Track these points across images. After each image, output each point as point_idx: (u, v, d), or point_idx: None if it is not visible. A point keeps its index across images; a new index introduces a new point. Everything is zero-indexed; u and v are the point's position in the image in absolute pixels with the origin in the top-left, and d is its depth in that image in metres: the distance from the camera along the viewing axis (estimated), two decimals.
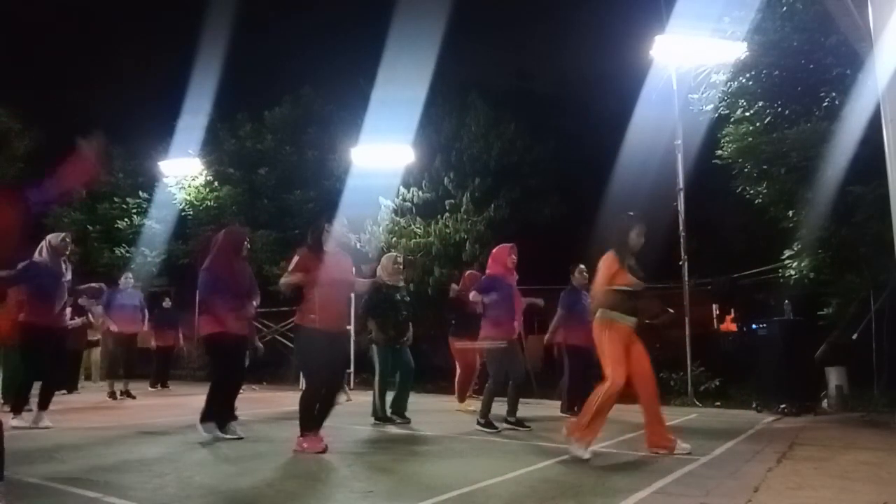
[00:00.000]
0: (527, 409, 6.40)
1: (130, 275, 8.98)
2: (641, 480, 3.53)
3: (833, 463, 4.13)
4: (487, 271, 6.01)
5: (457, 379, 7.79)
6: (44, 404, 5.56)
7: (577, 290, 6.78)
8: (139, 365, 9.69)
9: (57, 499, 3.14)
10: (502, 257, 5.87)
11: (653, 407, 4.44)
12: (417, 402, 6.97)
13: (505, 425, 5.80)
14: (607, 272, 4.34)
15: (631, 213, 4.52)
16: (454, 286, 7.31)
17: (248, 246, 5.37)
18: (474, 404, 7.65)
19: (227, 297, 5.04)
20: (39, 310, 5.37)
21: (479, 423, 5.56)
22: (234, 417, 5.25)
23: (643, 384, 4.42)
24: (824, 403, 7.42)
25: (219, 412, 5.11)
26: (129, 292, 8.70)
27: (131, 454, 4.31)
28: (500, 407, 5.85)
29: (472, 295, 5.90)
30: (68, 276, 5.70)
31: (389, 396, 6.24)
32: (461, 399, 7.67)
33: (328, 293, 4.36)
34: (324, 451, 4.03)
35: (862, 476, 3.69)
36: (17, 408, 5.53)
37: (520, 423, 5.85)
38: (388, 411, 6.18)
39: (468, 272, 7.83)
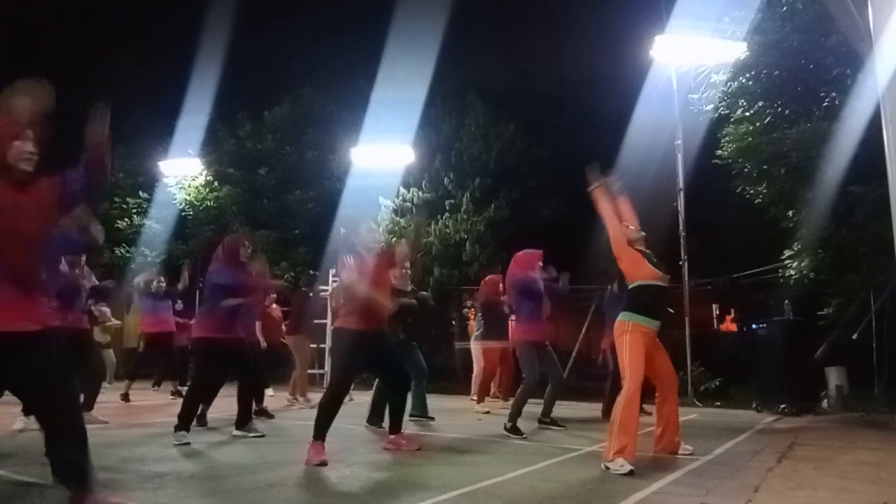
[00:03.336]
0: (557, 409, 6.34)
1: (162, 278, 9.03)
2: (641, 480, 3.53)
3: (833, 463, 4.13)
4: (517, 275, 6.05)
5: (479, 379, 7.99)
6: (89, 405, 5.83)
7: (620, 295, 6.82)
8: (144, 365, 9.66)
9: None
10: (528, 263, 5.96)
11: (674, 411, 4.41)
12: None
13: (539, 426, 5.81)
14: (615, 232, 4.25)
15: None
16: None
17: (248, 251, 5.33)
18: (488, 405, 7.69)
19: (219, 304, 5.06)
20: (61, 314, 5.37)
21: (505, 427, 5.42)
22: (260, 416, 5.45)
23: (668, 387, 4.39)
24: (824, 403, 7.41)
25: (241, 415, 5.31)
26: (161, 296, 8.75)
27: (131, 454, 4.31)
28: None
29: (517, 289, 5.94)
30: (92, 281, 5.75)
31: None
32: (480, 400, 7.74)
33: (374, 295, 4.32)
34: (322, 464, 3.92)
35: (862, 476, 3.69)
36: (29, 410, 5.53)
37: (553, 422, 5.84)
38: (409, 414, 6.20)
39: (488, 277, 7.88)
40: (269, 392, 9.82)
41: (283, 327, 10.56)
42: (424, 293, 6.00)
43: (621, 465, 3.71)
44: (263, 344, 8.94)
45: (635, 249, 4.26)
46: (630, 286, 4.29)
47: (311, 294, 8.91)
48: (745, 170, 8.34)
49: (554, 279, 6.21)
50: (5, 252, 2.39)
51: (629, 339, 4.09)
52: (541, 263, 5.97)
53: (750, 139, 8.17)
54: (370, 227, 4.68)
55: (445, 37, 12.46)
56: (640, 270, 4.21)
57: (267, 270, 5.81)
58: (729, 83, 8.44)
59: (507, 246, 11.96)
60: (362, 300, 4.28)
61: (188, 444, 4.69)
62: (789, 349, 7.34)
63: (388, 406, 4.72)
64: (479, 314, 8.41)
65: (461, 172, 13.00)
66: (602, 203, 4.35)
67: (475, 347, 8.99)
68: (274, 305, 9.41)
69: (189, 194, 16.13)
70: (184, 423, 4.84)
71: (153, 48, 19.78)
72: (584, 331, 10.68)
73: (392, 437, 4.65)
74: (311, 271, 9.00)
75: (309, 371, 8.89)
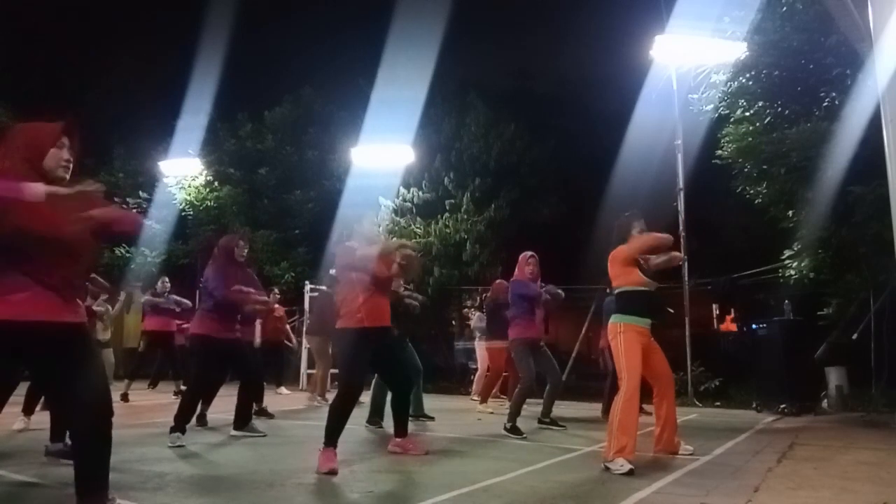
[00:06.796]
0: (557, 409, 6.32)
1: (167, 279, 9.08)
2: (641, 480, 3.53)
3: (833, 463, 4.14)
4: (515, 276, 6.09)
5: (484, 380, 8.12)
6: None
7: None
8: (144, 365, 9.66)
9: (56, 499, 3.14)
10: (520, 265, 5.99)
11: (672, 410, 4.42)
12: None
13: (538, 426, 5.81)
14: (625, 254, 4.24)
15: (628, 212, 4.47)
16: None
17: (245, 251, 5.31)
18: (492, 406, 7.72)
19: (218, 303, 5.07)
20: None
21: (505, 427, 5.41)
22: (260, 416, 5.58)
23: (664, 386, 4.39)
24: (824, 403, 7.42)
25: (240, 414, 5.31)
26: (165, 296, 8.82)
27: (131, 454, 4.31)
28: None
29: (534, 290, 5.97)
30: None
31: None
32: (483, 400, 7.79)
33: (374, 290, 4.27)
34: (332, 472, 3.74)
35: (862, 476, 3.69)
36: (30, 409, 5.51)
37: (553, 422, 5.85)
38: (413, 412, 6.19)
39: (497, 281, 7.97)
40: (284, 390, 9.86)
41: (287, 327, 10.59)
42: (416, 298, 5.95)
43: (621, 465, 3.71)
44: (257, 342, 8.99)
45: (634, 260, 4.25)
46: (616, 290, 4.32)
47: (333, 295, 8.93)
48: (745, 170, 8.34)
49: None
50: (47, 254, 2.43)
51: (624, 339, 4.11)
52: (530, 265, 5.95)
53: (750, 139, 8.17)
54: (372, 220, 4.64)
55: (445, 37, 12.47)
56: (627, 277, 4.24)
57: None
58: (729, 83, 8.44)
59: (507, 246, 11.98)
60: (365, 297, 4.23)
61: (183, 446, 4.66)
62: (789, 349, 7.34)
63: (392, 410, 4.64)
64: (485, 314, 8.44)
65: (461, 172, 13.00)
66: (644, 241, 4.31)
67: (479, 348, 9.01)
68: (276, 304, 9.42)
69: (189, 194, 16.13)
70: (179, 424, 4.82)
71: (153, 48, 19.77)
72: (583, 331, 10.68)
73: (398, 440, 4.53)
74: (331, 272, 8.97)
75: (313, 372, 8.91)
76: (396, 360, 4.64)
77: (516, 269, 6.05)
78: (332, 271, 8.73)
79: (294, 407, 8.11)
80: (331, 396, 8.23)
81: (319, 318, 8.68)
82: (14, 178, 2.38)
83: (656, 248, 4.30)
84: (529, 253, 6.00)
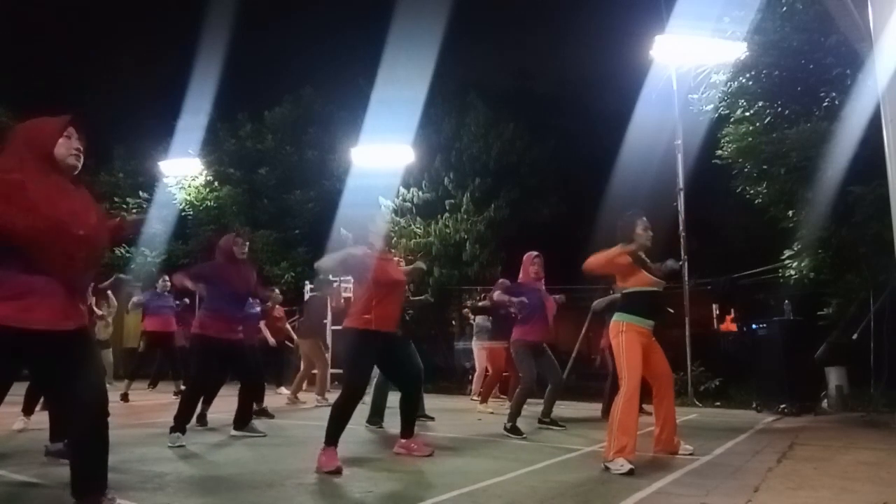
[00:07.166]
0: (557, 409, 6.31)
1: (167, 277, 9.07)
2: (641, 480, 3.53)
3: (833, 463, 4.14)
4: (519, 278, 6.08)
5: (485, 380, 8.16)
6: None
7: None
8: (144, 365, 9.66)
9: (56, 499, 3.14)
10: (525, 265, 5.96)
11: (671, 410, 4.42)
12: None
13: (538, 426, 5.82)
14: (611, 256, 4.14)
15: (630, 211, 4.45)
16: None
17: (245, 249, 5.28)
18: (492, 406, 7.72)
19: (220, 303, 5.08)
20: None
21: (505, 427, 5.41)
22: (260, 416, 5.63)
23: (664, 386, 4.39)
24: (824, 403, 7.42)
25: (241, 415, 5.32)
26: (165, 296, 8.81)
27: (131, 454, 4.31)
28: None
29: (497, 294, 6.11)
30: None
31: (392, 397, 6.21)
32: (483, 400, 7.80)
33: (386, 294, 4.22)
34: (337, 471, 3.73)
35: (862, 476, 3.69)
36: (29, 409, 5.50)
37: (553, 422, 5.85)
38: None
39: (500, 280, 7.95)
40: (284, 390, 9.85)
41: (288, 326, 10.54)
42: (422, 298, 5.95)
43: (621, 465, 3.71)
44: (272, 342, 8.96)
45: (631, 258, 4.22)
46: (624, 291, 4.30)
47: (326, 298, 8.92)
48: (745, 170, 8.34)
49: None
50: (53, 255, 2.39)
51: (625, 338, 4.11)
52: (535, 266, 5.91)
53: (750, 139, 8.17)
54: (385, 217, 4.62)
55: (445, 37, 12.49)
56: (635, 277, 4.23)
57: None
58: (729, 83, 8.44)
59: (507, 246, 11.99)
60: (376, 299, 4.17)
61: (183, 446, 4.66)
62: (789, 349, 7.34)
63: (399, 410, 4.61)
64: (488, 315, 8.44)
65: (461, 172, 13.01)
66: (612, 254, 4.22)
67: (476, 348, 9.01)
68: (277, 306, 9.41)
69: (189, 194, 16.14)
70: (179, 425, 4.81)
71: (153, 48, 19.79)
72: (583, 331, 10.68)
73: (403, 441, 4.47)
74: (331, 277, 8.96)
75: (312, 372, 8.87)
76: (400, 361, 4.62)
77: (521, 270, 6.01)
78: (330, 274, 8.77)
79: (294, 407, 8.11)
80: (331, 396, 8.30)
81: (311, 320, 8.66)
82: (20, 172, 2.36)
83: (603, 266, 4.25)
84: (535, 253, 5.95)
